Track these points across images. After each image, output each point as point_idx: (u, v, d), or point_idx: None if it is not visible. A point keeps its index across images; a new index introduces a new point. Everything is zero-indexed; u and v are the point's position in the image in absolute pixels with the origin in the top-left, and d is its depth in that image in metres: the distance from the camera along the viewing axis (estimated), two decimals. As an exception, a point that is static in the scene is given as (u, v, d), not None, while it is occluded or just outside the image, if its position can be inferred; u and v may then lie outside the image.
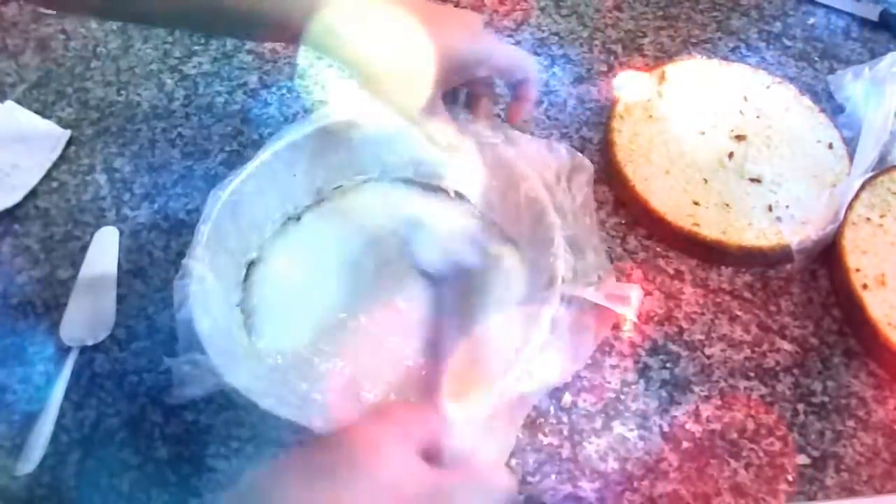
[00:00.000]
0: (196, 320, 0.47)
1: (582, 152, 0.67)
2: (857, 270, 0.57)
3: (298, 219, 0.60)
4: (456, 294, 0.53)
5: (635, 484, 0.50)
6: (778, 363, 0.56)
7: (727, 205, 0.62)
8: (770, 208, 0.62)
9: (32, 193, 0.64)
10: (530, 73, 0.56)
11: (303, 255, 0.59)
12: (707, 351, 0.57)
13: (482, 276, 0.56)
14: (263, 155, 0.56)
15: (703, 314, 0.59)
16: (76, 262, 0.60)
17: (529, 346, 0.47)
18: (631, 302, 0.50)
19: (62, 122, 0.69)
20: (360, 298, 0.55)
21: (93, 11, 0.65)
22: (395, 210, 0.60)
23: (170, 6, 0.49)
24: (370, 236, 0.59)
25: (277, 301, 0.56)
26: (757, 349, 0.57)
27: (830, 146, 0.66)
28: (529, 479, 0.50)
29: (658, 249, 0.62)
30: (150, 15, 0.53)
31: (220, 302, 0.51)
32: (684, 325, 0.58)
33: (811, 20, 0.81)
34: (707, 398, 0.54)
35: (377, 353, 0.53)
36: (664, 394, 0.54)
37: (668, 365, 0.56)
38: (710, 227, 0.60)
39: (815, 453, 0.52)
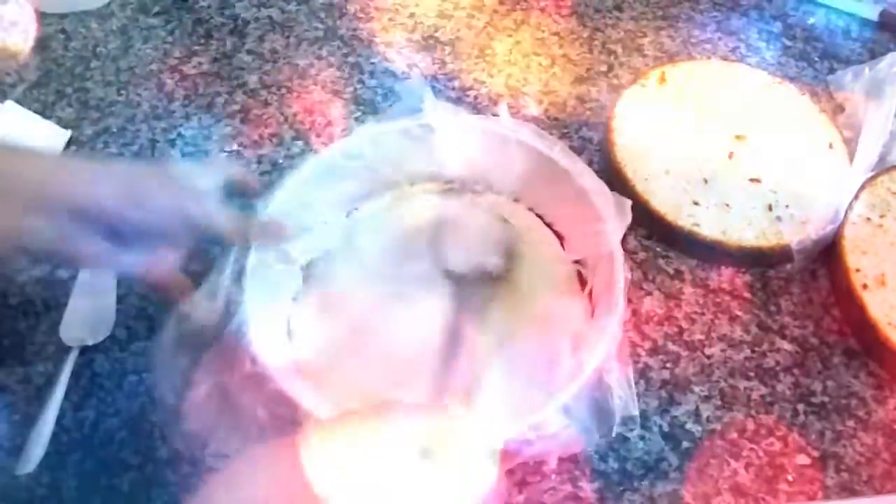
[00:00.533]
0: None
1: (582, 152, 0.68)
2: (857, 270, 0.57)
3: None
4: (479, 296, 0.52)
5: (635, 484, 0.50)
6: (778, 363, 0.56)
7: (727, 205, 0.62)
8: (770, 208, 0.62)
9: (32, 193, 0.64)
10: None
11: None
12: (707, 351, 0.57)
13: (508, 281, 0.55)
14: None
15: (703, 314, 0.59)
16: (76, 262, 0.60)
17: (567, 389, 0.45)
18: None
19: (62, 122, 0.69)
20: (383, 298, 0.55)
21: None
22: (420, 211, 0.60)
23: None
24: (399, 236, 0.59)
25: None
26: (757, 349, 0.57)
27: (830, 146, 0.66)
28: (529, 479, 0.50)
29: (658, 249, 0.62)
30: None
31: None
32: (684, 325, 0.58)
33: (811, 20, 0.81)
34: (707, 398, 0.54)
35: (394, 354, 0.53)
36: (664, 394, 0.54)
37: (668, 365, 0.56)
38: (710, 227, 0.60)
39: (815, 453, 0.52)
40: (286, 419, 0.45)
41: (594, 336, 0.47)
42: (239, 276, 0.50)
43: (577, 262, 0.56)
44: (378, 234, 0.59)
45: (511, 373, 0.50)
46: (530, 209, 0.60)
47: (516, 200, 0.61)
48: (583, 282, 0.55)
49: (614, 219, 0.52)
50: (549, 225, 0.59)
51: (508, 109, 0.62)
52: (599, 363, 0.45)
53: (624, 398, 0.46)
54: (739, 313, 0.59)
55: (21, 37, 0.76)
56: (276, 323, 0.53)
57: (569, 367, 0.47)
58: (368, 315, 0.54)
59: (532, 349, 0.51)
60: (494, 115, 0.64)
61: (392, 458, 0.36)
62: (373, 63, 0.75)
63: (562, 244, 0.58)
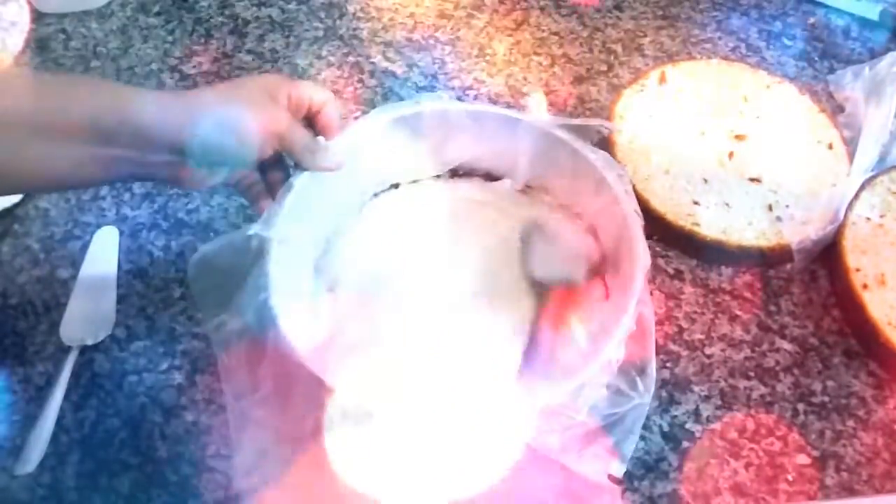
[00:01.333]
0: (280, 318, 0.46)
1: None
2: (857, 270, 0.57)
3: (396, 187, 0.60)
4: (558, 306, 0.52)
5: (635, 484, 0.50)
6: (778, 363, 0.56)
7: (727, 205, 0.62)
8: (770, 208, 0.62)
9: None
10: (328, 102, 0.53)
11: (390, 233, 0.58)
12: (707, 351, 0.57)
13: (583, 293, 0.54)
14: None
15: (703, 314, 0.59)
16: (76, 262, 0.60)
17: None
18: None
19: (62, 122, 0.69)
20: (451, 296, 0.54)
21: None
22: (508, 210, 0.59)
23: None
24: (474, 231, 0.58)
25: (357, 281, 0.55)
26: (757, 349, 0.57)
27: (830, 146, 0.66)
28: (529, 479, 0.50)
29: (658, 249, 0.62)
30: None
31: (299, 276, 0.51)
32: (684, 324, 0.58)
33: (811, 20, 0.81)
34: (707, 398, 0.54)
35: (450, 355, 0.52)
36: (664, 394, 0.54)
37: (668, 365, 0.56)
38: (710, 227, 0.60)
39: (815, 453, 0.52)
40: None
41: (612, 322, 0.47)
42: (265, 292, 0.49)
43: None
44: (394, 226, 0.58)
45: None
46: (546, 193, 0.60)
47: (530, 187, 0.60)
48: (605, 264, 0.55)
49: (628, 199, 0.52)
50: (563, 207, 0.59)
51: (509, 108, 0.62)
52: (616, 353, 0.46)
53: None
54: (739, 313, 0.59)
55: (21, 37, 0.76)
56: (310, 324, 0.52)
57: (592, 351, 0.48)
58: (399, 314, 0.53)
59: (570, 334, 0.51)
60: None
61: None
62: (373, 63, 0.75)
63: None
